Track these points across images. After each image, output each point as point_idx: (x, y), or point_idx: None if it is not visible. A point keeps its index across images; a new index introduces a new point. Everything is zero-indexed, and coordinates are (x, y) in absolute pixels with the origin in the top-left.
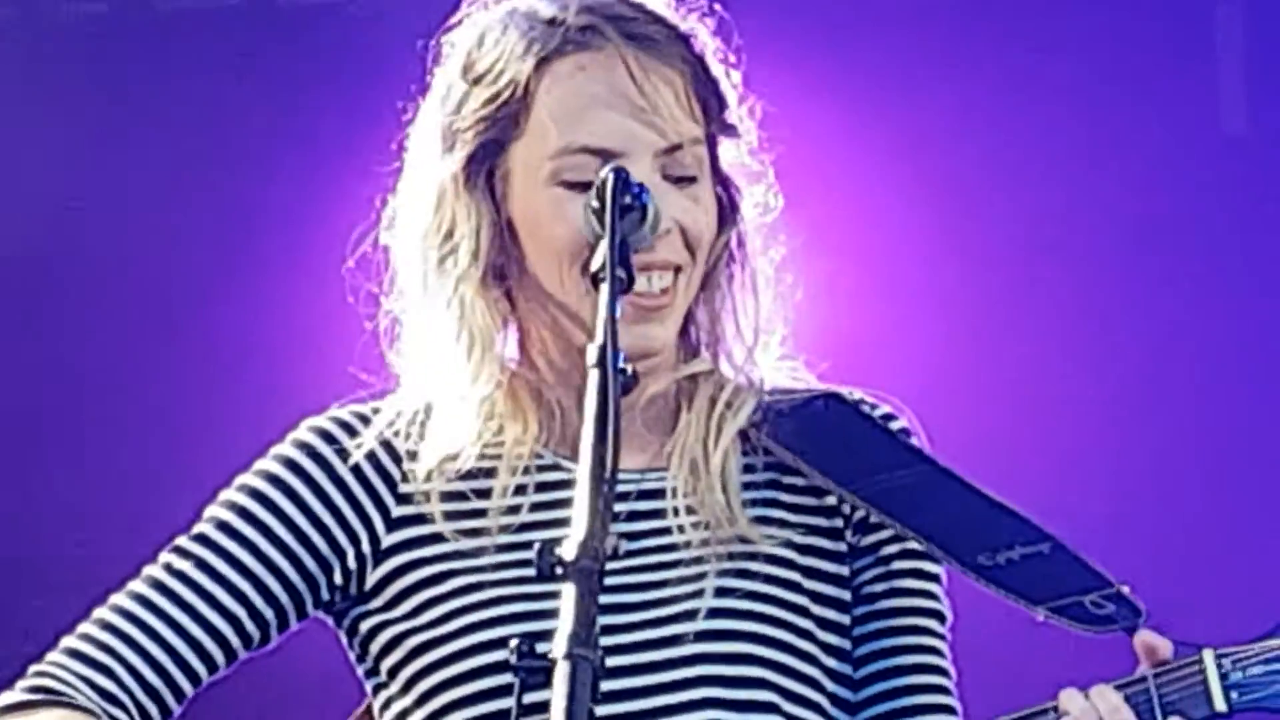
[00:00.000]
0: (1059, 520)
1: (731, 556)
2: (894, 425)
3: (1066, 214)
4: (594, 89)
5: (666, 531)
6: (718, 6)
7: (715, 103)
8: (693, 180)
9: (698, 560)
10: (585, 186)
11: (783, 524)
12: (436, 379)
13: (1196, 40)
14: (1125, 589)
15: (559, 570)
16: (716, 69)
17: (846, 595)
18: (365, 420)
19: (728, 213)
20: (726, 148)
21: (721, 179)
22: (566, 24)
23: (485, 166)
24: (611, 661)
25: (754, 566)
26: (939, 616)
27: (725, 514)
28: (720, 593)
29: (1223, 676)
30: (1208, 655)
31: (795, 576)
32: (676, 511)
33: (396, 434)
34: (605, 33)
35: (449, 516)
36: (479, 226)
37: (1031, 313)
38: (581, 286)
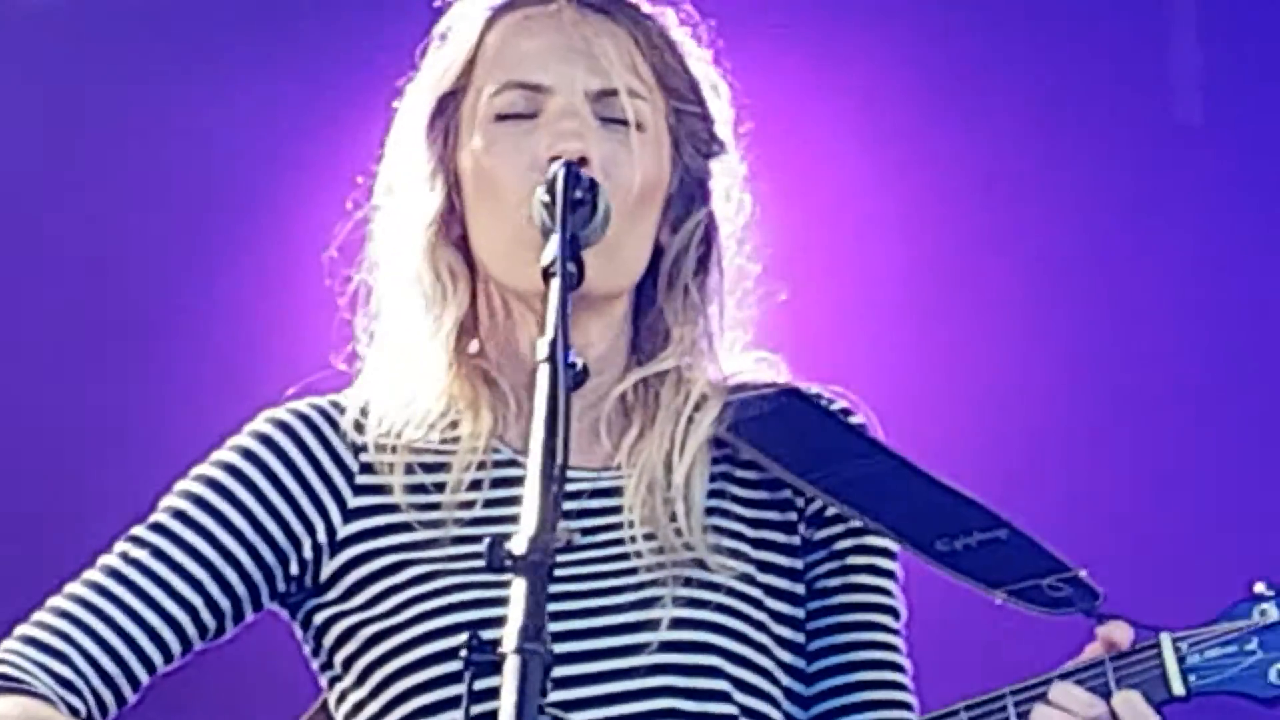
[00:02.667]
0: (1022, 505)
1: (688, 582)
2: (851, 419)
3: (1019, 204)
4: (534, 36)
5: (618, 530)
6: (694, 13)
7: (675, 78)
8: (626, 126)
9: (651, 572)
10: (515, 118)
11: (737, 518)
12: (391, 351)
13: (1149, 28)
14: (1083, 573)
15: (509, 564)
16: (685, 49)
17: (800, 589)
18: (322, 412)
19: (692, 200)
20: (690, 133)
21: (687, 168)
22: None
23: (443, 124)
24: (561, 649)
25: (715, 590)
26: (893, 612)
27: (681, 539)
28: (682, 605)
29: (1180, 660)
30: (1165, 639)
31: (750, 570)
32: (633, 529)
33: (355, 425)
34: None
35: (409, 508)
36: (432, 181)
37: (989, 303)
38: (516, 258)
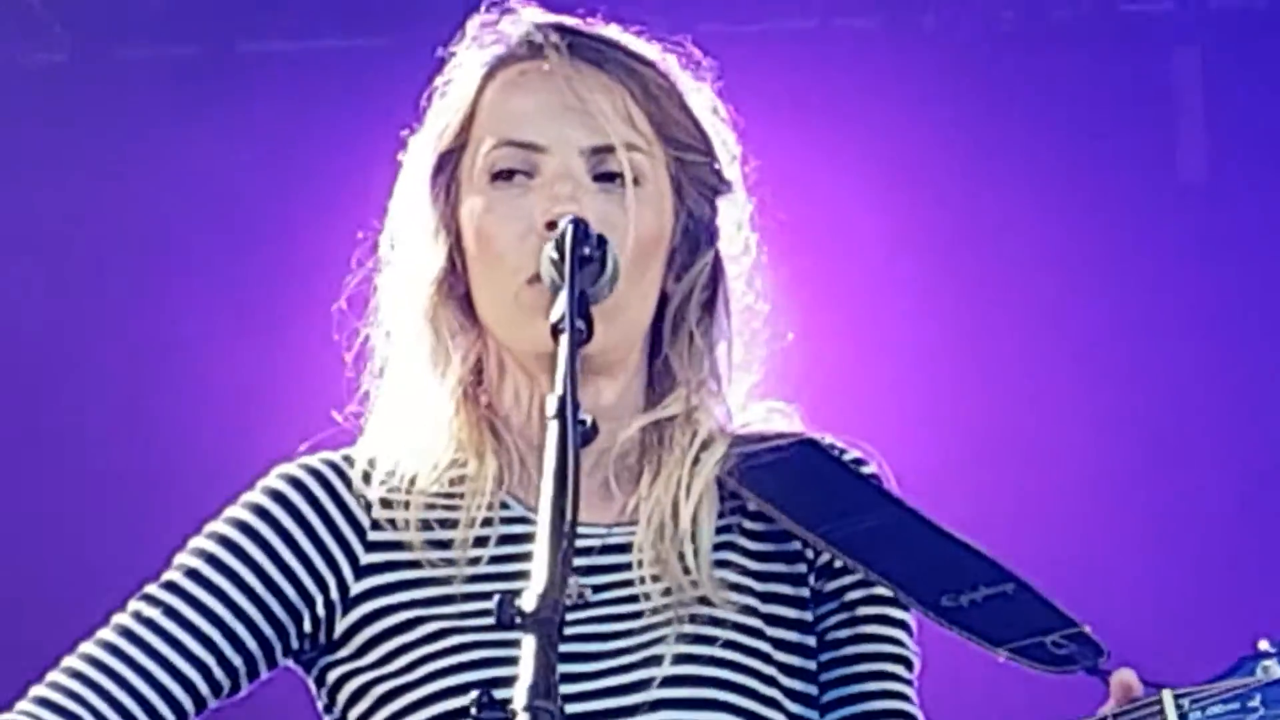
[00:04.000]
0: (1027, 559)
1: (694, 619)
2: (864, 469)
3: (1030, 259)
4: (529, 92)
5: (629, 584)
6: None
7: (675, 127)
8: (626, 181)
9: (657, 614)
10: (511, 178)
11: (744, 571)
12: (397, 405)
13: (1155, 84)
14: (1087, 629)
15: (519, 621)
16: (683, 90)
17: (810, 640)
18: (334, 466)
19: (697, 245)
20: (694, 178)
21: (691, 215)
22: (516, 39)
23: (443, 182)
24: (572, 709)
25: (716, 629)
26: (905, 662)
27: (689, 578)
28: (682, 641)
29: (1182, 716)
30: (1166, 696)
31: (757, 624)
32: (641, 569)
33: (364, 478)
34: (551, 46)
35: (420, 564)
36: (434, 239)
37: (1000, 355)
38: (515, 321)
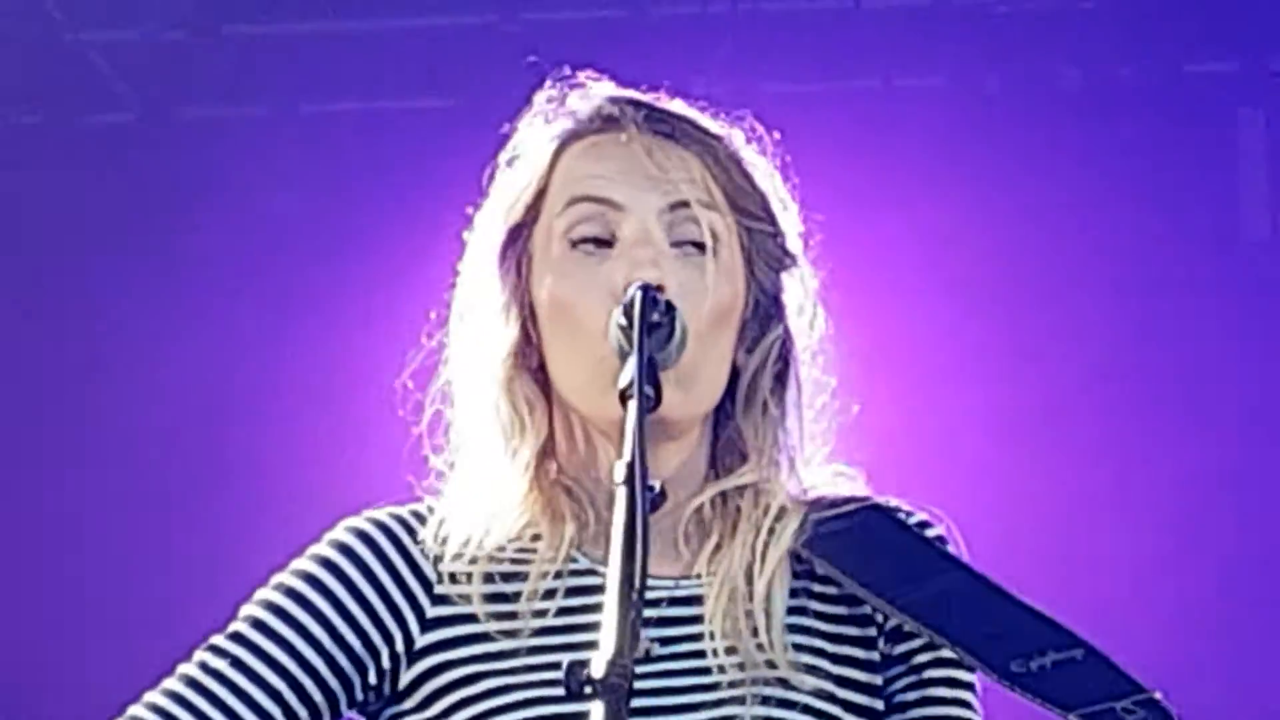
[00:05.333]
0: (1096, 626)
1: (767, 695)
2: (930, 532)
3: (1095, 322)
4: (604, 159)
5: (697, 640)
6: (759, 128)
7: (745, 198)
8: (700, 248)
9: (733, 687)
10: (586, 243)
11: (818, 634)
12: (471, 476)
13: (1219, 144)
14: (1158, 695)
15: (588, 688)
16: (758, 176)
17: (879, 705)
18: (402, 521)
19: (766, 317)
20: (763, 249)
21: (761, 285)
22: (589, 113)
23: (515, 255)
24: None
25: (790, 712)
26: None
27: (761, 653)
28: (757, 711)
29: None
30: None
31: (831, 690)
32: (714, 641)
33: (434, 535)
34: (624, 118)
35: (490, 617)
36: (507, 312)
37: (1068, 419)
38: (597, 389)
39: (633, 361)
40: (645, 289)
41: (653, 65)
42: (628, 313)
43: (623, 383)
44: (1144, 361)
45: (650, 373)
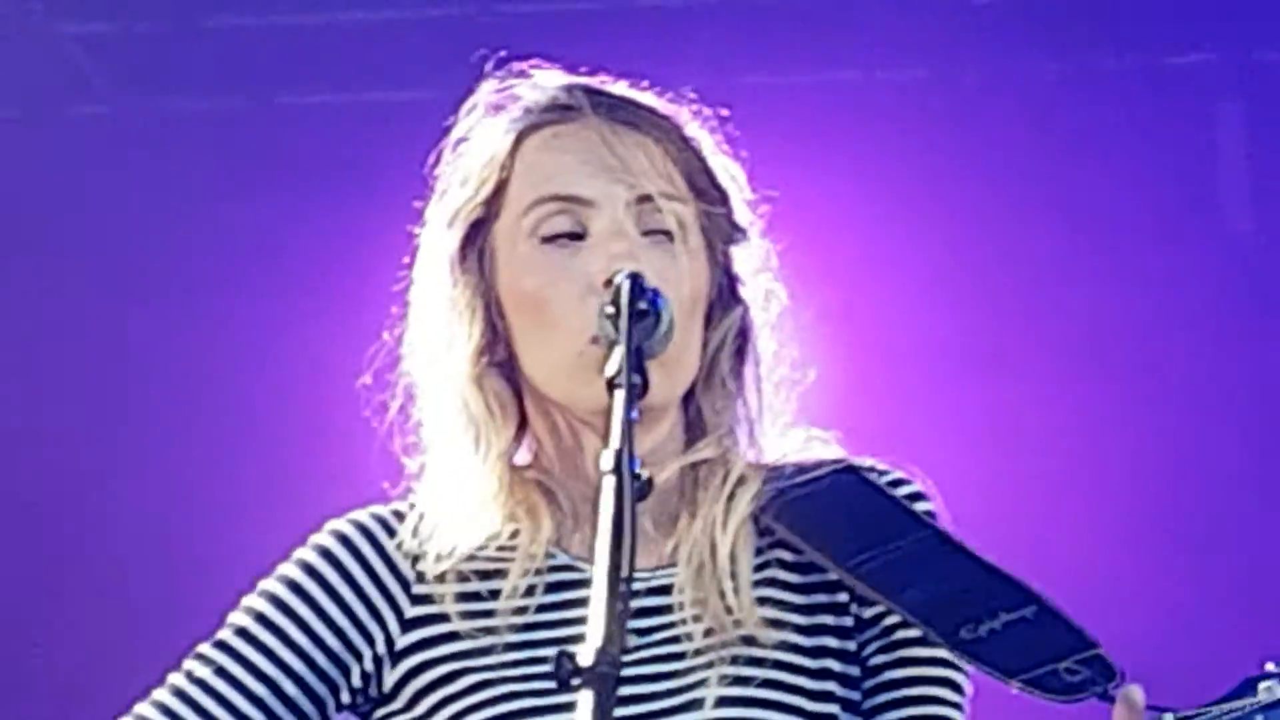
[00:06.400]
0: (1051, 582)
1: (735, 659)
2: (901, 491)
3: (1073, 311)
4: (565, 152)
5: (672, 626)
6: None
7: (700, 179)
8: (669, 236)
9: (700, 655)
10: (560, 240)
11: (786, 605)
12: (444, 475)
13: (1199, 136)
14: (1102, 650)
15: (576, 677)
16: (707, 153)
17: (854, 670)
18: (381, 521)
19: (726, 295)
20: (720, 229)
21: (721, 264)
22: (545, 102)
23: (476, 250)
24: None
25: (757, 669)
26: (951, 685)
27: (731, 617)
28: (723, 683)
29: None
30: (1168, 719)
31: (802, 660)
32: (683, 611)
33: (412, 534)
34: (581, 107)
35: (463, 616)
36: (471, 308)
37: (1043, 404)
38: (578, 380)
39: (619, 350)
40: (633, 277)
41: (633, 57)
42: (615, 301)
43: (609, 371)
44: (1125, 352)
45: (637, 360)
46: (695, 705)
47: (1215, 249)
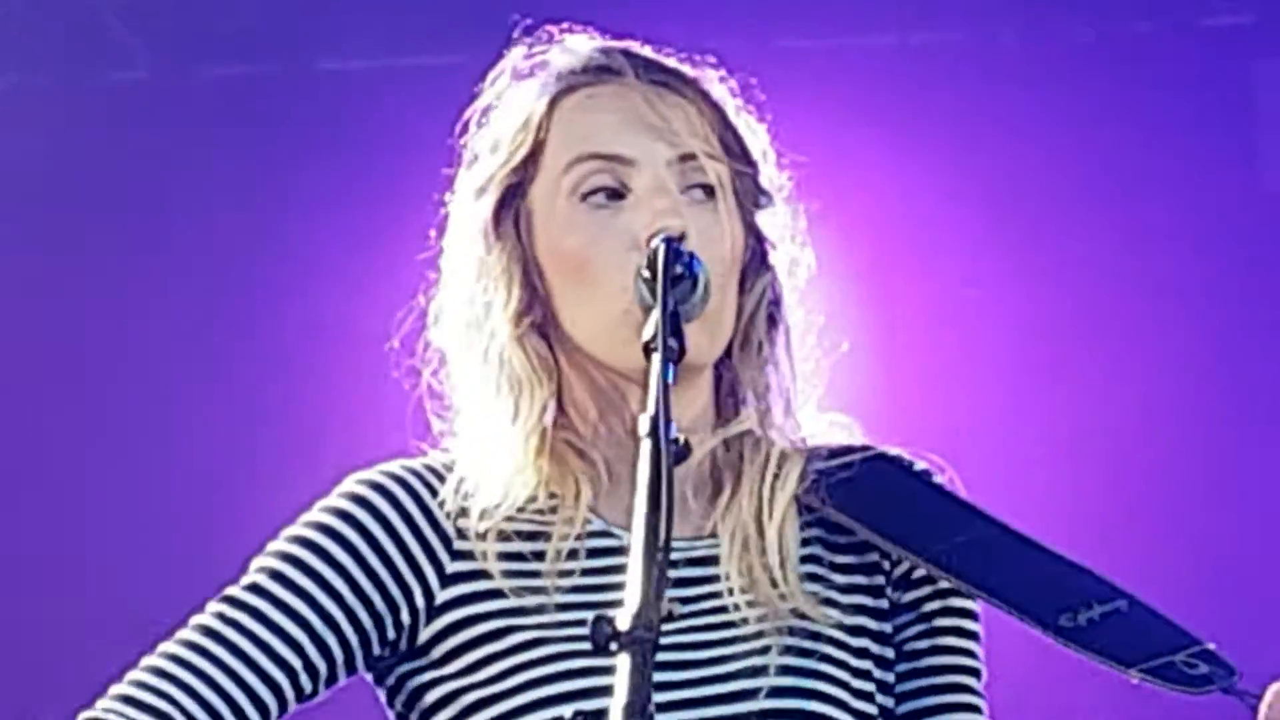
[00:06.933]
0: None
1: (792, 632)
2: (936, 480)
3: (1109, 271)
4: (604, 112)
5: (718, 597)
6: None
7: (733, 142)
8: (712, 193)
9: (751, 626)
10: (596, 194)
11: (830, 584)
12: (482, 435)
13: (1236, 97)
14: (1213, 646)
15: (614, 642)
16: (737, 119)
17: (889, 653)
18: (417, 474)
19: (757, 260)
20: (750, 192)
21: (752, 228)
22: (580, 64)
23: (511, 214)
24: (674, 718)
25: (814, 643)
26: (977, 674)
27: (778, 592)
28: (785, 654)
29: None
30: None
31: (847, 639)
32: (731, 591)
33: (455, 490)
34: (619, 69)
35: (507, 575)
36: (509, 271)
37: (1079, 365)
38: (621, 339)
39: (656, 315)
40: (668, 241)
41: (664, 21)
42: (651, 265)
43: (646, 335)
44: (1161, 317)
45: (673, 324)
46: (759, 673)
47: (1252, 210)
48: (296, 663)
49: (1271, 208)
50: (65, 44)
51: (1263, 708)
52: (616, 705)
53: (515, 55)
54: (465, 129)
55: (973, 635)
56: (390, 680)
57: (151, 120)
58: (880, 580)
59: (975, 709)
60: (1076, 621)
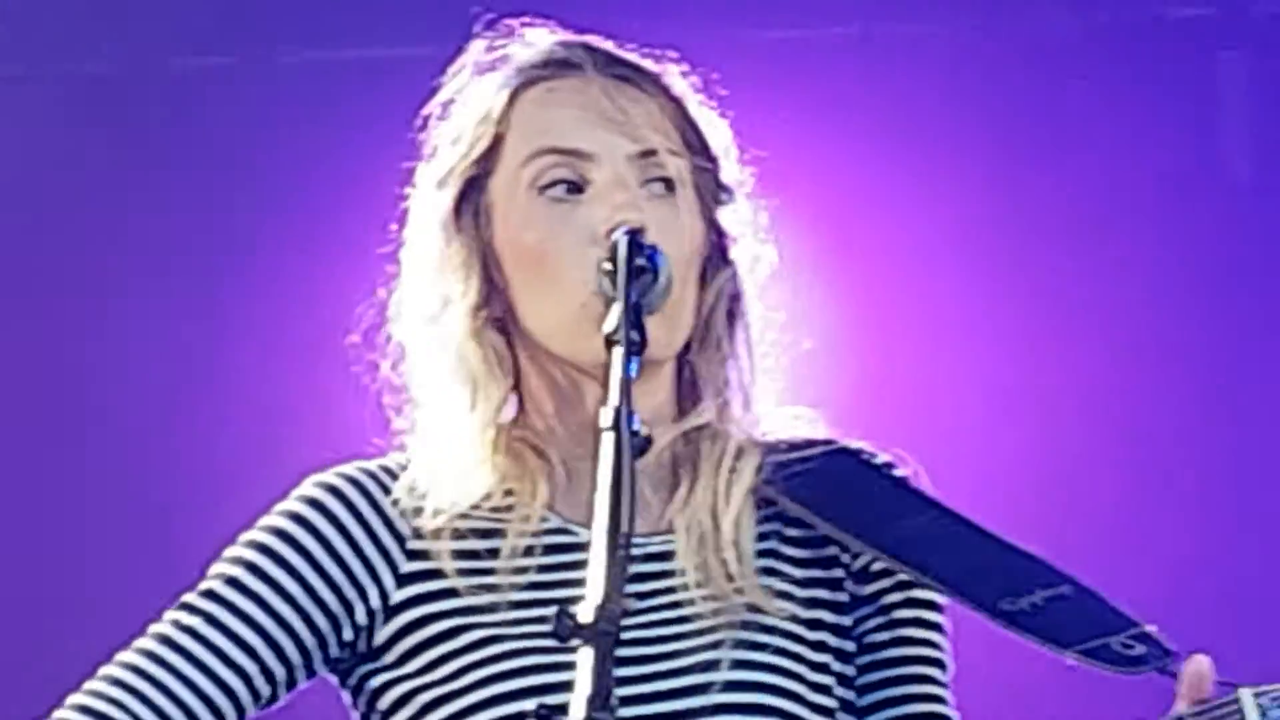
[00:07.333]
0: (1081, 565)
1: (746, 625)
2: (897, 473)
3: (1070, 264)
4: (564, 106)
5: (674, 592)
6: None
7: (694, 137)
8: (672, 187)
9: (706, 620)
10: (556, 187)
11: (787, 578)
12: (438, 432)
13: (1200, 89)
14: (1152, 629)
15: (576, 634)
16: (697, 111)
17: (849, 645)
18: (372, 475)
19: (717, 255)
20: (710, 187)
21: (713, 223)
22: (541, 58)
23: (471, 207)
24: (627, 713)
25: (768, 636)
26: (941, 665)
27: (733, 586)
28: (738, 648)
29: (1263, 714)
30: (1245, 694)
31: (803, 632)
32: (686, 586)
33: (408, 489)
34: (579, 63)
35: (461, 574)
36: (468, 264)
37: (1040, 358)
38: (581, 333)
39: (618, 308)
40: (631, 234)
41: (628, 11)
42: (613, 257)
43: (607, 328)
44: (1127, 308)
45: (635, 317)
46: (710, 667)
47: (1216, 202)
48: (252, 667)
49: (1236, 199)
50: (22, 37)
51: (1181, 686)
52: (579, 698)
53: (476, 49)
54: (426, 123)
55: (935, 626)
56: (352, 681)
57: (109, 114)
58: (839, 573)
59: (938, 699)
60: (1018, 605)
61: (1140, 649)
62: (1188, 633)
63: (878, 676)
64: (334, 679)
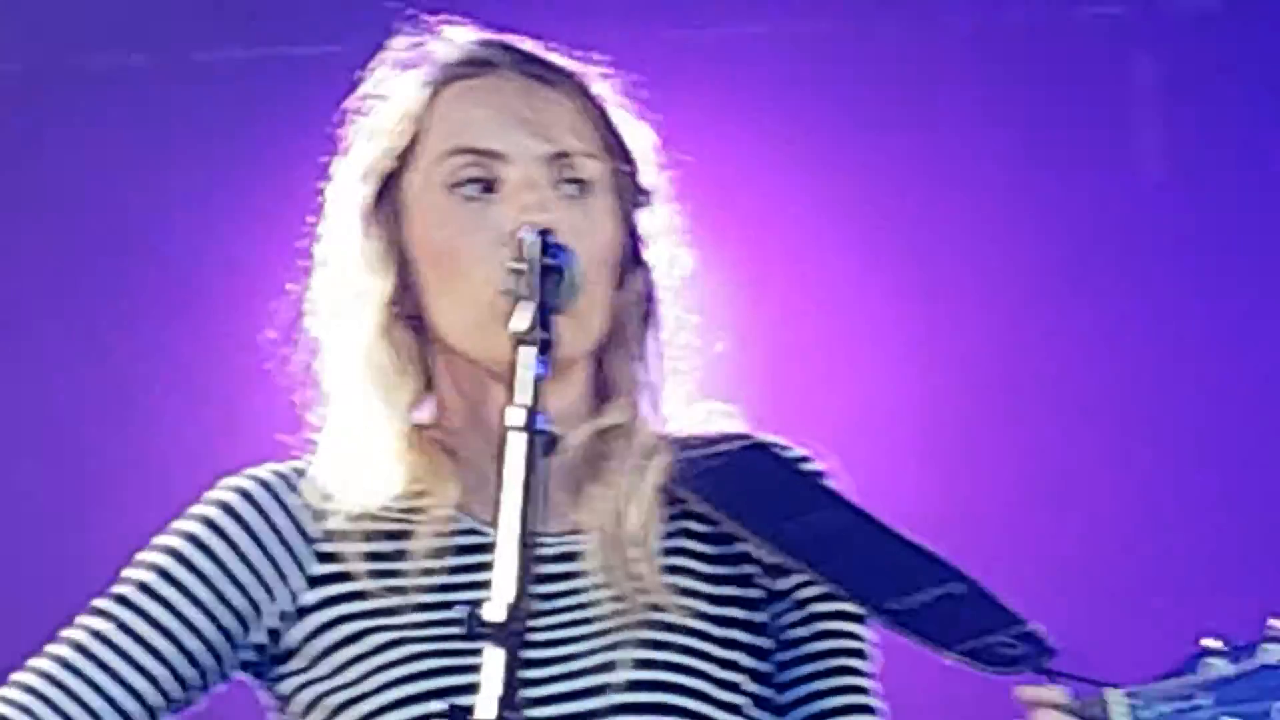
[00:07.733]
0: (971, 557)
1: (648, 625)
2: (808, 467)
3: (987, 265)
4: (480, 106)
5: (580, 593)
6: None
7: (612, 136)
8: (585, 189)
9: (609, 622)
10: (467, 186)
11: (695, 575)
12: (347, 431)
13: (1111, 88)
14: (1037, 627)
15: (487, 633)
16: (616, 113)
17: (764, 642)
18: (283, 477)
19: (631, 257)
20: (627, 189)
21: (629, 225)
22: (460, 56)
23: (388, 203)
24: (535, 713)
25: (670, 635)
26: (863, 656)
27: (637, 584)
28: (638, 648)
29: (1131, 716)
30: (1111, 694)
31: (710, 629)
32: (589, 578)
33: (316, 491)
34: (497, 62)
35: (370, 575)
36: (382, 260)
37: (957, 357)
38: (488, 332)
39: (525, 306)
40: (542, 233)
41: (544, 11)
42: (521, 257)
43: (516, 327)
44: (1036, 309)
45: (543, 316)
46: (607, 668)
47: (1129, 201)
48: (161, 672)
49: (1149, 199)
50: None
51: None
52: (489, 698)
53: (397, 45)
54: (344, 118)
55: (856, 618)
56: (267, 683)
57: (21, 113)
58: (750, 570)
59: (860, 690)
60: (904, 604)
61: (1020, 648)
62: (1079, 630)
63: (799, 672)
64: (252, 681)
